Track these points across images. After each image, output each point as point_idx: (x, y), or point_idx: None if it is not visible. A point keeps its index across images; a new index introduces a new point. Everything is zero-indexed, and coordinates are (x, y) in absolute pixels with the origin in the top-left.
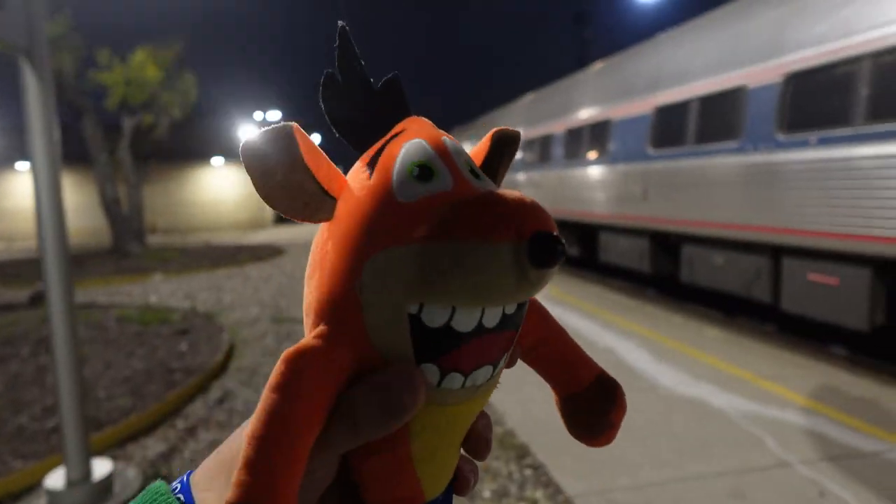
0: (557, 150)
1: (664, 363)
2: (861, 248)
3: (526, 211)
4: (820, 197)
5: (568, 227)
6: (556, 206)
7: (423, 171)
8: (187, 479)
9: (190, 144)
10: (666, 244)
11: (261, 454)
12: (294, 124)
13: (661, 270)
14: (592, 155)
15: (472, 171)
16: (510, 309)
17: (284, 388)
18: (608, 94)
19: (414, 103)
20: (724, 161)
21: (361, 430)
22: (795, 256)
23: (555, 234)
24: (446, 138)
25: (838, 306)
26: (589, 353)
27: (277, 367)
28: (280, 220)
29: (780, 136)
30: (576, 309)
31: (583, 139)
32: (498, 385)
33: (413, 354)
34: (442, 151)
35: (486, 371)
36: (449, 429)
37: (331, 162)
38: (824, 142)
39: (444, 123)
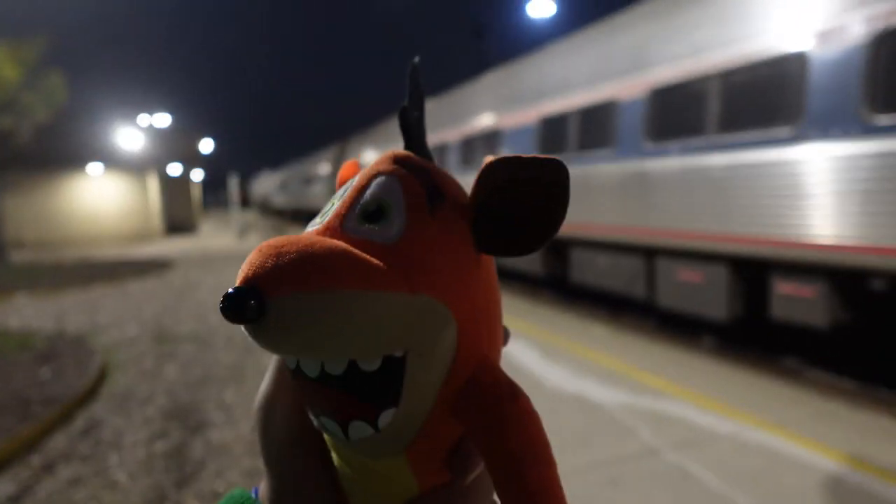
0: (453, 159)
1: (552, 362)
2: (719, 247)
3: (247, 262)
4: (683, 201)
5: None
6: None
7: (375, 211)
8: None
9: (62, 150)
10: (556, 248)
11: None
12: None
13: (554, 273)
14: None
15: (366, 213)
16: (332, 367)
17: None
18: (499, 103)
19: (306, 111)
20: (602, 168)
21: None
22: (666, 257)
23: (248, 287)
24: (422, 166)
25: (703, 301)
26: None
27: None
28: (172, 230)
29: (648, 146)
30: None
31: (476, 148)
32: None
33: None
34: (411, 189)
35: (331, 425)
36: (357, 475)
37: None
38: (684, 150)
39: (345, 129)
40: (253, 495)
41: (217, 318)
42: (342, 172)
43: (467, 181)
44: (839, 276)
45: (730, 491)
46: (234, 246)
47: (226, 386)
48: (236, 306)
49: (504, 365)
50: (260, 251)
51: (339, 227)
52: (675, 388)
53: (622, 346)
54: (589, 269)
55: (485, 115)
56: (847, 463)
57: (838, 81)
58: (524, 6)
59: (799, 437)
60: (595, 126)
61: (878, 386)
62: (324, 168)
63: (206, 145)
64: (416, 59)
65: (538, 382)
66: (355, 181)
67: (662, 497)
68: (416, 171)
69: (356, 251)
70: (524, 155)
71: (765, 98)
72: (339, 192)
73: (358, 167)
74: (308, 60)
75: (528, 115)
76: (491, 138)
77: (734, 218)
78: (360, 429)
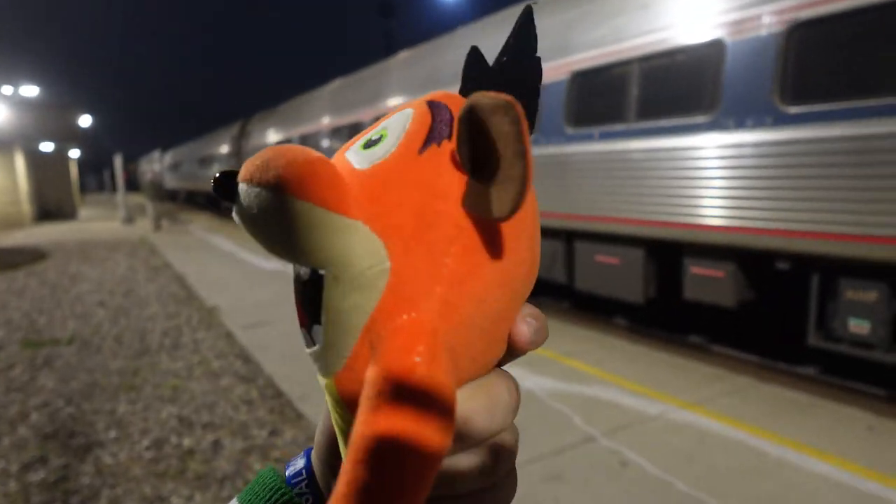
0: None
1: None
2: (636, 231)
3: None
4: (603, 186)
5: None
6: None
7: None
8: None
9: None
10: None
11: None
12: None
13: None
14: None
15: (369, 141)
16: (303, 272)
17: None
18: (415, 84)
19: (207, 93)
20: None
21: None
22: (585, 240)
23: (236, 171)
24: (448, 103)
25: (619, 283)
26: None
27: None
28: (45, 216)
29: (569, 130)
30: None
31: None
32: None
33: None
34: (420, 114)
35: (304, 336)
36: (329, 405)
37: None
38: (605, 136)
39: (246, 111)
40: (303, 460)
41: (104, 315)
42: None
43: None
44: (747, 258)
45: (667, 475)
46: (119, 232)
47: (116, 397)
48: (219, 184)
49: None
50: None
51: (343, 152)
52: (599, 371)
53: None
54: None
55: (401, 97)
56: (765, 437)
57: (753, 71)
58: None
59: (719, 415)
60: None
61: (778, 360)
62: (223, 148)
63: (85, 121)
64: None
65: None
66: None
67: (607, 488)
68: (438, 109)
69: (323, 167)
70: (487, 92)
71: (683, 86)
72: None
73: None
74: (205, 37)
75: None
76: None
77: (651, 202)
78: (305, 340)
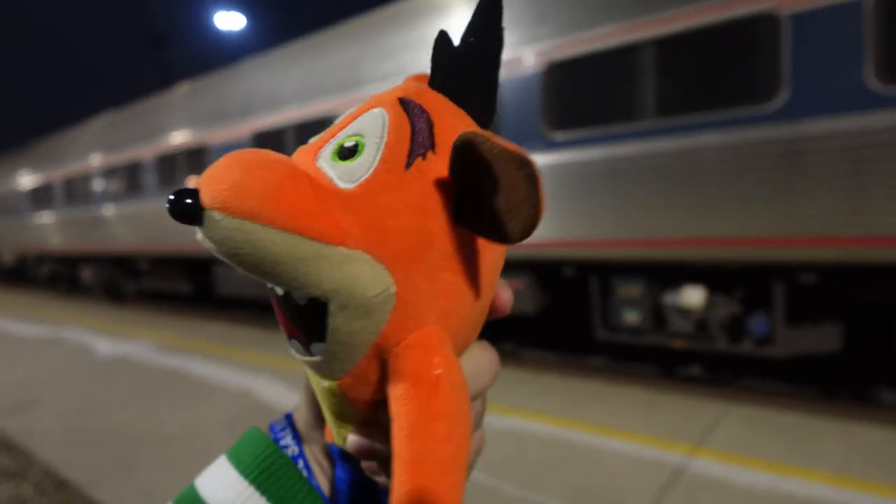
0: (150, 179)
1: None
2: None
3: (215, 163)
4: None
5: (174, 263)
6: (157, 240)
7: (351, 147)
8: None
9: None
10: None
11: None
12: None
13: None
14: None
15: (341, 148)
16: (297, 296)
17: None
18: (201, 117)
19: None
20: None
21: None
22: None
23: (193, 189)
24: (365, 104)
25: None
26: (222, 399)
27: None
28: None
29: None
30: (197, 353)
31: (179, 166)
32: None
33: None
34: (396, 118)
35: (295, 345)
36: (320, 391)
37: None
38: None
39: None
40: (272, 435)
41: None
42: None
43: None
44: (540, 268)
45: (494, 481)
46: None
47: None
48: (179, 204)
49: (251, 407)
50: (224, 158)
51: (313, 158)
52: None
53: None
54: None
55: (186, 130)
56: (571, 427)
57: (522, 103)
58: (211, 19)
59: (533, 414)
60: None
61: (576, 355)
62: None
63: None
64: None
65: None
66: (354, 108)
67: None
68: (415, 113)
69: (305, 189)
70: (492, 137)
71: None
72: (340, 116)
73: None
74: None
75: (240, 129)
76: (195, 155)
77: None
78: (297, 348)
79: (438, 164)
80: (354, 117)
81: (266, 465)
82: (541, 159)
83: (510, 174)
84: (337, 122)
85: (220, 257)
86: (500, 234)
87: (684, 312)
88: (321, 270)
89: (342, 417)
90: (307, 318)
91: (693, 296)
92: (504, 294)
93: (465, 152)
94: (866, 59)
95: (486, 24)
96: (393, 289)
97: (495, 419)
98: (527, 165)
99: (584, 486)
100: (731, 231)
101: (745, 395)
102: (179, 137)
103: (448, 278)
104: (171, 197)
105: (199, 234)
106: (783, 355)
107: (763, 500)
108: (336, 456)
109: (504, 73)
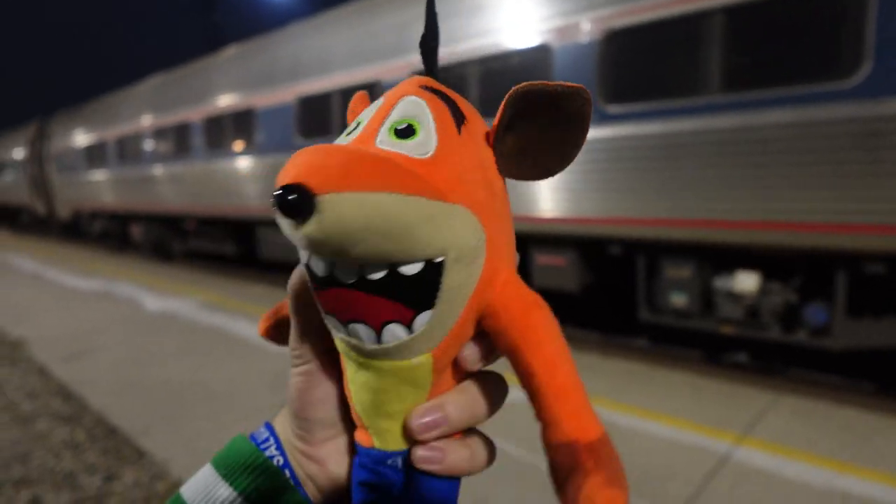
0: (197, 140)
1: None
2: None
3: (291, 162)
4: None
5: (219, 225)
6: (203, 202)
7: (406, 129)
8: (269, 425)
9: None
10: (244, 228)
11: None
12: None
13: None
14: (239, 146)
15: (396, 130)
16: (373, 273)
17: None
18: (250, 80)
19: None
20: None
21: None
22: None
23: (297, 183)
24: (448, 94)
25: None
26: (263, 359)
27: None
28: None
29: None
30: (240, 313)
31: (226, 128)
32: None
33: (310, 283)
34: (437, 109)
35: (364, 330)
36: (363, 383)
37: None
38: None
39: (48, 107)
40: (266, 430)
41: None
42: (352, 105)
43: (218, 167)
44: (584, 245)
45: (536, 457)
46: None
47: None
48: (289, 201)
49: None
50: (302, 153)
51: (371, 141)
52: None
53: None
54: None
55: (235, 94)
56: (615, 409)
57: (578, 72)
58: None
59: None
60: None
61: (619, 336)
62: (16, 152)
63: None
64: None
65: None
66: (381, 102)
67: (477, 478)
68: (440, 94)
69: (400, 160)
70: (548, 82)
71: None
72: (361, 117)
73: (368, 99)
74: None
75: (287, 93)
76: (242, 118)
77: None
78: (394, 332)
79: (474, 128)
80: (385, 111)
81: (255, 476)
82: (594, 132)
83: (576, 105)
84: (362, 120)
85: (331, 247)
86: (544, 169)
87: (736, 297)
88: (441, 227)
89: (398, 404)
90: (418, 287)
91: (746, 281)
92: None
93: (526, 97)
94: None
95: (430, 21)
96: (485, 234)
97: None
98: (588, 97)
99: (626, 468)
100: (795, 216)
101: (795, 387)
102: (227, 100)
103: (506, 221)
104: (276, 196)
105: (306, 229)
106: (841, 347)
107: (813, 495)
108: (371, 460)
109: (557, 40)
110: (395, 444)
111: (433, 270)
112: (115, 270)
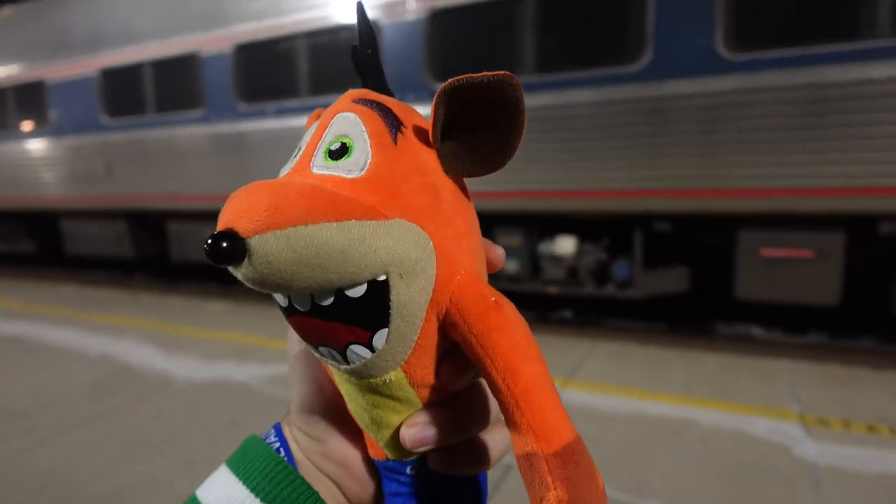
0: None
1: (175, 353)
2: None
3: (224, 207)
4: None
5: (14, 218)
6: None
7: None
8: (278, 426)
9: None
10: (146, 223)
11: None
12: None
13: (145, 252)
14: (28, 125)
15: (330, 152)
16: (323, 300)
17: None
18: (38, 49)
19: None
20: (189, 131)
21: None
22: None
23: (226, 230)
24: (392, 106)
25: None
26: (79, 365)
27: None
28: None
29: (242, 107)
30: (49, 319)
31: (7, 105)
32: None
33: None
34: (373, 125)
35: (331, 353)
36: (354, 398)
37: None
38: (280, 112)
39: None
40: (274, 434)
41: None
42: (308, 123)
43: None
44: None
45: None
46: None
47: None
48: (219, 250)
49: (116, 372)
50: (234, 197)
51: (307, 167)
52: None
53: (248, 319)
54: (194, 244)
55: (15, 64)
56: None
57: (405, 48)
58: None
59: None
60: (176, 81)
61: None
62: None
63: None
64: (358, 1)
65: (165, 379)
66: (317, 124)
67: None
68: (374, 105)
69: (326, 186)
70: (473, 75)
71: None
72: (301, 141)
73: (320, 114)
74: None
75: (87, 64)
76: (28, 91)
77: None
78: (357, 353)
79: (410, 134)
80: (320, 133)
81: (277, 481)
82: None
83: (506, 93)
84: (302, 145)
85: (271, 286)
86: (489, 164)
87: (558, 260)
88: (378, 247)
89: (395, 416)
90: (367, 308)
91: (566, 244)
92: (496, 250)
93: (454, 93)
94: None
95: (364, 28)
96: (431, 243)
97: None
98: (517, 82)
99: None
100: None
101: (608, 335)
102: (6, 71)
103: (460, 222)
104: (208, 246)
105: (241, 272)
106: (642, 296)
107: (622, 421)
108: (392, 472)
109: (385, 17)
110: (404, 453)
111: (379, 289)
112: None
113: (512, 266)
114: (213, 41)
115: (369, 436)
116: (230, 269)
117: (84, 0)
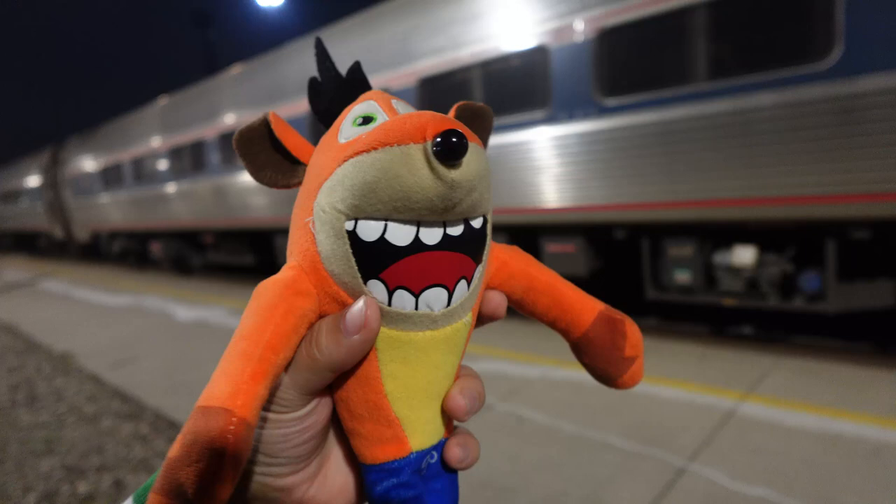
0: (212, 157)
1: None
2: (503, 219)
3: (432, 118)
4: None
5: (234, 236)
6: (217, 215)
7: (365, 119)
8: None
9: None
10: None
11: (227, 362)
12: (271, 112)
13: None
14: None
15: (357, 121)
16: (453, 229)
17: (249, 307)
18: (258, 97)
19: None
20: None
21: (322, 352)
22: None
23: (457, 130)
24: (395, 100)
25: None
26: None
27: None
28: None
29: None
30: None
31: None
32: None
33: (357, 270)
34: (386, 105)
35: (438, 294)
36: (418, 364)
37: (300, 136)
38: None
39: (54, 136)
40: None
41: None
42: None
43: (232, 181)
44: (591, 232)
45: (556, 422)
46: None
47: None
48: (452, 144)
49: None
50: (431, 114)
51: (335, 140)
52: (482, 348)
53: None
54: None
55: (245, 111)
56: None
57: (574, 70)
58: None
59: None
60: None
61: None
62: (31, 180)
63: None
64: (317, 37)
65: None
66: (398, 101)
67: (511, 441)
68: (384, 95)
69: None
70: (473, 102)
71: (519, 85)
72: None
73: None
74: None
75: (294, 108)
76: None
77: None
78: (461, 289)
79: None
80: (340, 119)
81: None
82: (592, 125)
83: (489, 118)
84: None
85: (461, 192)
86: None
87: (735, 271)
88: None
89: (445, 383)
90: (481, 241)
91: (744, 255)
92: (497, 297)
93: (465, 108)
94: None
95: (324, 62)
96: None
97: (551, 370)
98: (491, 113)
99: (641, 425)
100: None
101: (795, 351)
102: (236, 117)
103: None
104: (440, 139)
105: (454, 173)
106: (835, 310)
107: (811, 439)
108: (409, 469)
109: (554, 41)
110: (437, 433)
111: (485, 224)
112: (140, 286)
113: (684, 277)
114: (400, 77)
115: (399, 425)
116: (443, 169)
117: (293, 55)
